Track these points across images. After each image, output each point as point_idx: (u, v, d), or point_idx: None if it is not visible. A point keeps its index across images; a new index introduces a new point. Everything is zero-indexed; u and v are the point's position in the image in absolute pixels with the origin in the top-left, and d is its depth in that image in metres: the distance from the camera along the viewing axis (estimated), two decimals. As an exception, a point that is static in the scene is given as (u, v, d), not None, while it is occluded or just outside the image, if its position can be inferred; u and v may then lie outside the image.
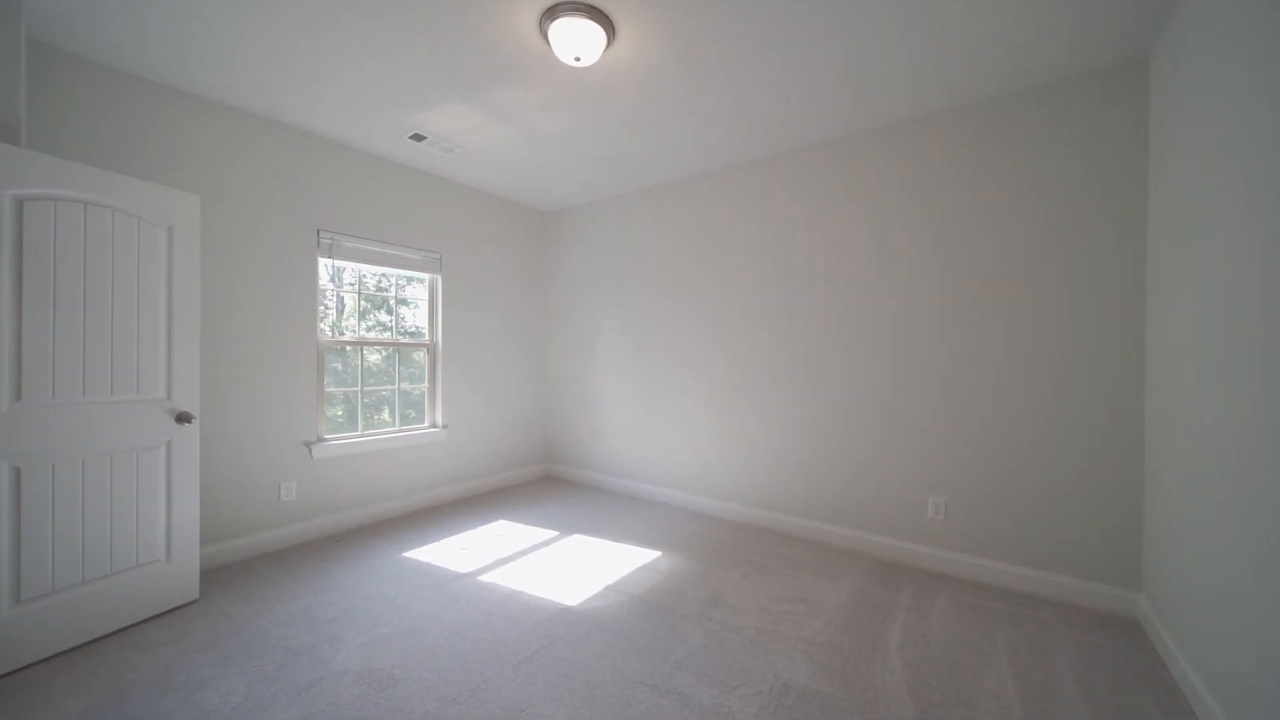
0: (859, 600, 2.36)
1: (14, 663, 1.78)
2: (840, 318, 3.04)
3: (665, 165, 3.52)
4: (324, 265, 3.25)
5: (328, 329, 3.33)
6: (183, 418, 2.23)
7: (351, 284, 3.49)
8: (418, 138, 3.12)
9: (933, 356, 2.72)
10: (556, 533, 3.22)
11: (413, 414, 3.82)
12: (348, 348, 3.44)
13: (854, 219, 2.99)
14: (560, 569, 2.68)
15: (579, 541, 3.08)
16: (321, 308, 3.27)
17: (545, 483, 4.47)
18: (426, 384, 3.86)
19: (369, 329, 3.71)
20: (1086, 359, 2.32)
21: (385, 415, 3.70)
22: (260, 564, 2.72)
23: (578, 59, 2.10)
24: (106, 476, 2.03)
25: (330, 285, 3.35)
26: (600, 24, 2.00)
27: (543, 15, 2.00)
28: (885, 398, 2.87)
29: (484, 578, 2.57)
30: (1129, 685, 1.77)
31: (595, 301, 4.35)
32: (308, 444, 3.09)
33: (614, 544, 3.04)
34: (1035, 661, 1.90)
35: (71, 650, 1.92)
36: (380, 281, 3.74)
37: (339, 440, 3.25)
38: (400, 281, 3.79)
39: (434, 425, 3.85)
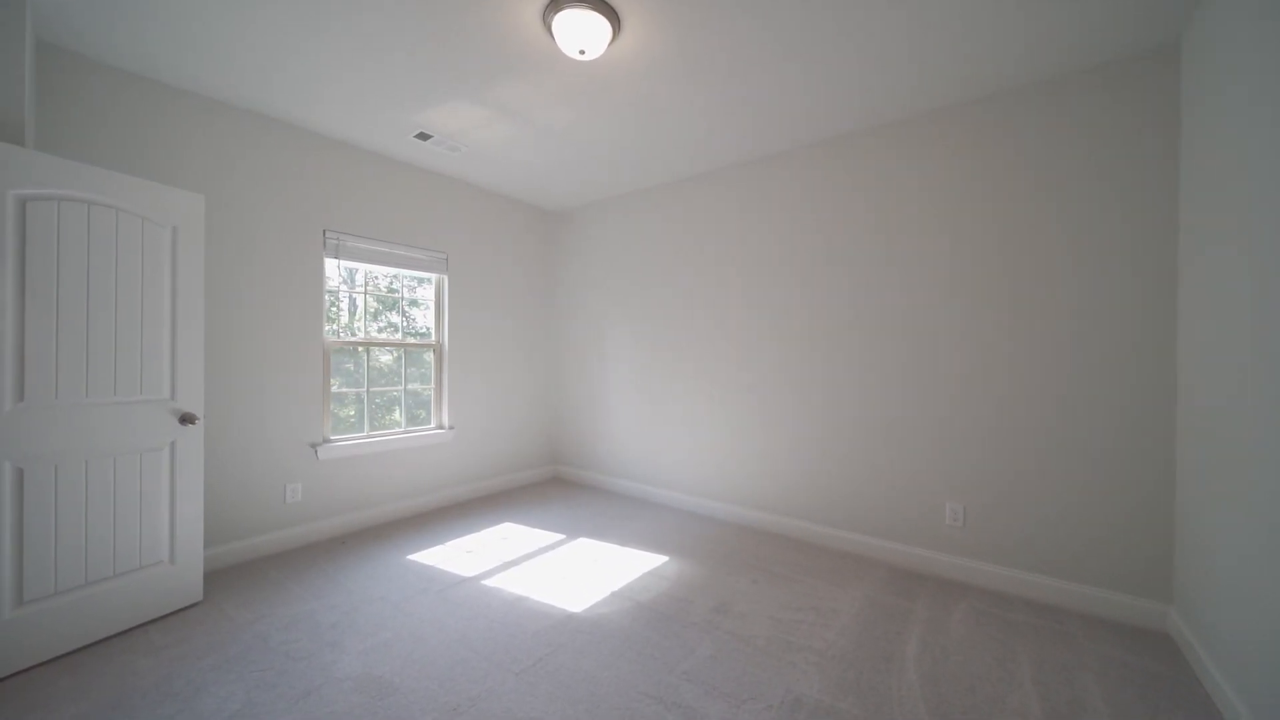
0: (873, 609, 2.28)
1: (16, 665, 1.77)
2: (851, 317, 2.95)
3: (669, 163, 3.46)
4: (336, 267, 3.23)
5: (336, 329, 3.32)
6: (186, 419, 2.22)
7: (363, 286, 3.49)
8: (423, 136, 3.10)
9: (948, 356, 2.63)
10: (562, 536, 3.18)
11: (423, 414, 3.80)
12: (359, 348, 3.43)
13: (864, 217, 2.90)
14: (565, 574, 2.63)
15: (585, 545, 3.03)
16: (334, 309, 3.27)
17: (552, 484, 4.43)
18: (433, 385, 3.84)
19: (380, 330, 3.70)
20: (1110, 357, 2.22)
21: (396, 415, 3.68)
22: (265, 566, 2.71)
23: (582, 52, 2.04)
24: (110, 478, 2.02)
25: (343, 287, 3.35)
26: (605, 15, 1.95)
27: (546, 7, 1.95)
28: (899, 399, 2.78)
29: (488, 582, 2.53)
30: (1162, 706, 1.67)
31: (601, 302, 4.31)
32: (314, 445, 3.07)
33: (620, 548, 2.99)
34: (1061, 678, 1.81)
35: (74, 653, 1.91)
36: (392, 283, 3.73)
37: (345, 441, 3.23)
38: (411, 283, 3.78)
39: (440, 426, 3.83)
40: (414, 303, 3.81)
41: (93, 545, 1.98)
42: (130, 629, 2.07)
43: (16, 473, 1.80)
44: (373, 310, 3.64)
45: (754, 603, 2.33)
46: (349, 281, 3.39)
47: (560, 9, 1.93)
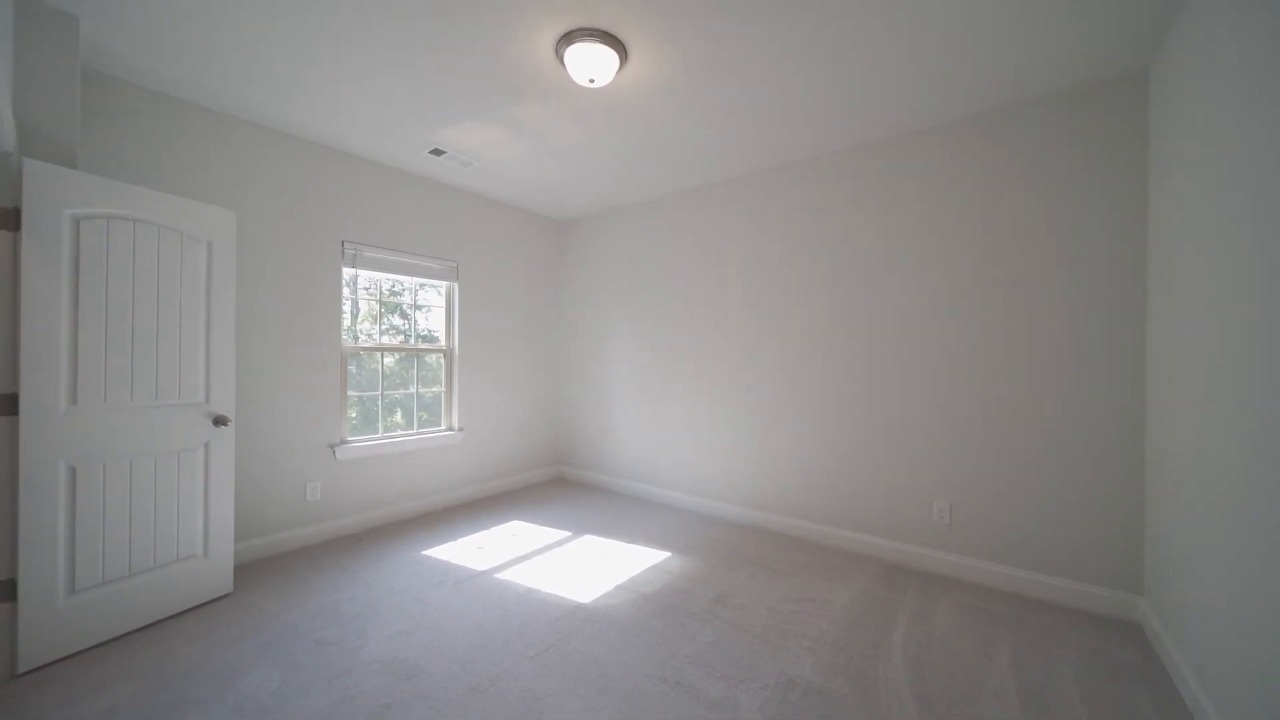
0: (864, 601, 2.42)
1: (68, 649, 1.92)
2: (849, 323, 3.10)
3: (675, 175, 3.61)
4: (349, 273, 3.38)
5: (348, 335, 3.47)
6: (219, 420, 2.37)
7: (366, 288, 3.62)
8: (437, 153, 3.25)
9: (939, 361, 2.77)
10: (569, 533, 3.32)
11: (426, 416, 3.93)
12: (369, 352, 3.57)
13: (863, 226, 3.05)
14: (573, 568, 2.77)
15: (590, 542, 3.17)
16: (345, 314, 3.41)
17: (556, 484, 4.58)
18: (443, 388, 3.99)
19: (383, 332, 3.82)
20: (1089, 365, 2.36)
21: (399, 417, 3.82)
22: (289, 561, 2.85)
23: (592, 80, 2.20)
24: (151, 476, 2.17)
25: (345, 289, 3.48)
26: (613, 48, 2.10)
27: (559, 40, 2.10)
28: (892, 402, 2.92)
29: (500, 575, 2.68)
30: (1128, 688, 1.81)
31: (606, 307, 4.45)
32: (332, 446, 3.22)
33: (624, 544, 3.13)
34: (1037, 663, 1.95)
35: (119, 638, 2.05)
36: (394, 286, 3.86)
37: (361, 442, 3.38)
38: (414, 286, 3.91)
39: (450, 428, 3.98)
40: (416, 305, 3.93)
41: (136, 538, 2.12)
42: (169, 617, 2.21)
43: (70, 470, 1.94)
44: (374, 314, 3.74)
45: (752, 595, 2.47)
46: (351, 285, 3.51)
47: (572, 42, 2.08)
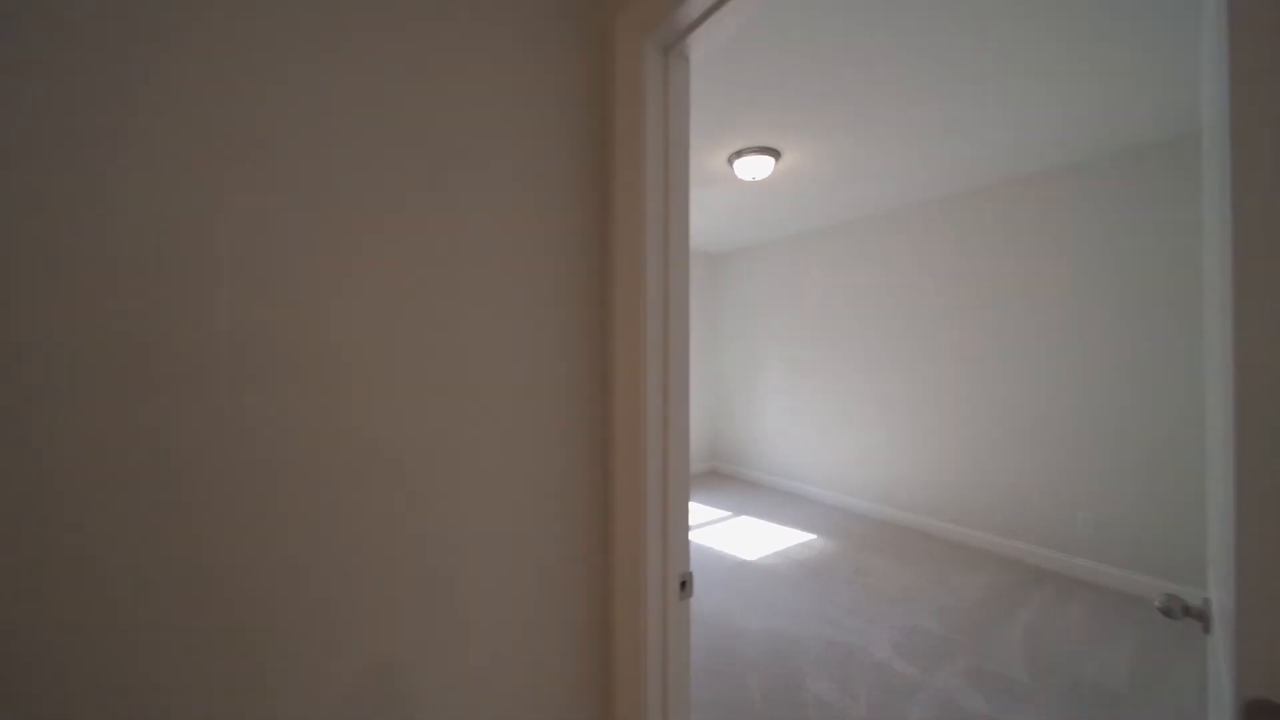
0: (996, 590, 2.82)
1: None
2: (989, 338, 3.41)
3: (809, 219, 4.23)
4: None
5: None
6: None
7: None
8: (628, 220, 4.35)
9: (1074, 376, 2.99)
10: (729, 513, 4.17)
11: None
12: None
13: (1002, 253, 3.35)
14: (736, 537, 3.62)
15: (747, 520, 3.98)
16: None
17: (712, 476, 5.46)
18: (626, 394, 5.14)
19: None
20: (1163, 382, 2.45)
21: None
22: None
23: (753, 178, 3.00)
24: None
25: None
26: (771, 155, 2.88)
27: (731, 155, 2.95)
28: (1034, 415, 3.19)
29: (682, 537, 3.63)
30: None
31: (753, 328, 5.20)
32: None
33: (775, 525, 3.87)
34: (1157, 657, 2.23)
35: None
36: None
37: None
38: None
39: (631, 426, 5.11)
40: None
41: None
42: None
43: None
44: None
45: (887, 571, 3.04)
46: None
47: (740, 156, 2.91)
